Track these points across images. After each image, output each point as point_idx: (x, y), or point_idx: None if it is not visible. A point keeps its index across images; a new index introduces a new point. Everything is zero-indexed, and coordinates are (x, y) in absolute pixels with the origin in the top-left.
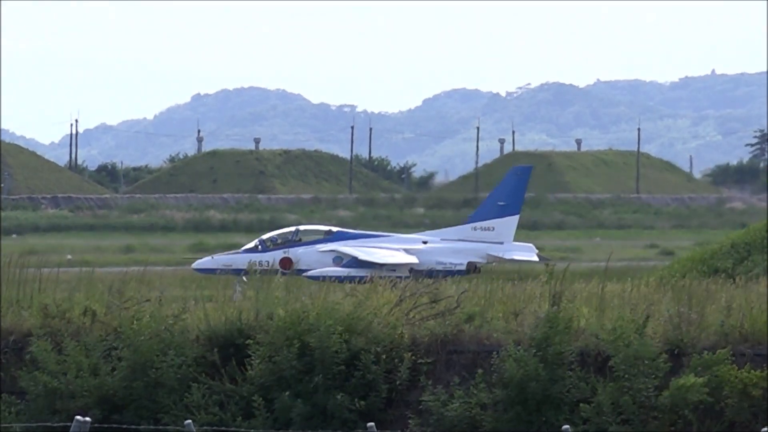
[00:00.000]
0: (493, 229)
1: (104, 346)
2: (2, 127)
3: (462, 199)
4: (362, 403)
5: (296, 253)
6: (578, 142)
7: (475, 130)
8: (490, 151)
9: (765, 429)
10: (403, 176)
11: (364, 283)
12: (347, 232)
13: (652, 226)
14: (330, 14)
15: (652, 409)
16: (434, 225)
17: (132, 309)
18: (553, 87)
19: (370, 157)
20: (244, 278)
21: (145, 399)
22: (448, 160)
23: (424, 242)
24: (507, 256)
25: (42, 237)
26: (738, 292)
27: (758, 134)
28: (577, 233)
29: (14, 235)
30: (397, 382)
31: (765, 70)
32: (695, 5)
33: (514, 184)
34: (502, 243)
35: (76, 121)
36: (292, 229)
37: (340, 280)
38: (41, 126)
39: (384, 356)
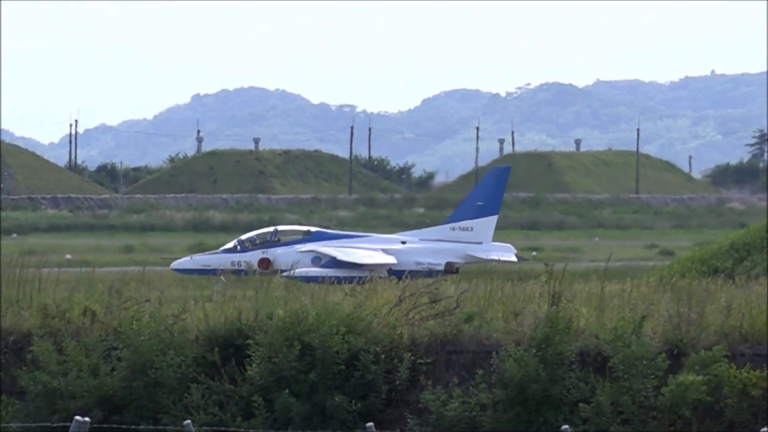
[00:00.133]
0: (472, 229)
1: (104, 347)
2: (2, 127)
3: (462, 199)
4: (361, 404)
5: (275, 253)
6: (578, 142)
7: (475, 130)
8: (490, 151)
9: (765, 429)
10: (402, 176)
11: (343, 284)
12: (326, 233)
13: (652, 226)
14: (330, 14)
15: (652, 409)
16: (434, 225)
17: (132, 309)
18: (552, 87)
19: (369, 157)
20: (222, 278)
21: (145, 399)
22: (447, 160)
23: (403, 242)
24: (486, 256)
25: (42, 237)
26: (738, 292)
27: (758, 134)
28: (577, 233)
29: (14, 235)
30: (397, 383)
31: (765, 70)
32: (695, 5)
33: (493, 185)
34: (480, 243)
35: (76, 121)
36: (271, 229)
37: (318, 280)
38: (41, 126)
39: (383, 356)
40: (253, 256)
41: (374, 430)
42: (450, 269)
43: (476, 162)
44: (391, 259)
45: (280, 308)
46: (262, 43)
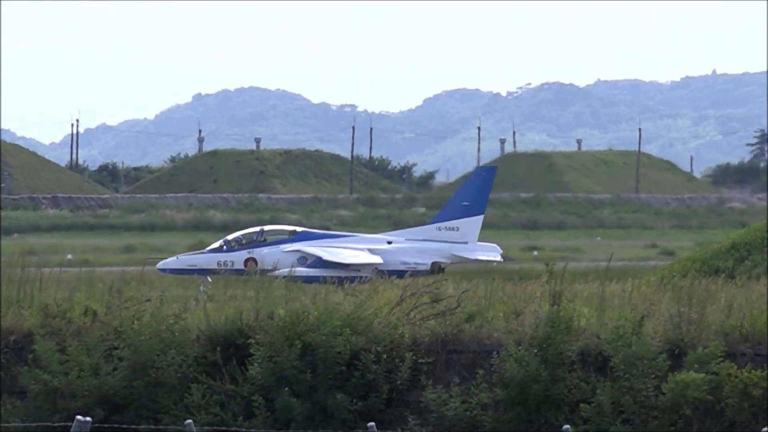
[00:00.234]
0: (458, 229)
1: (105, 346)
2: (2, 127)
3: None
4: (362, 403)
5: (261, 253)
6: (578, 142)
7: (476, 130)
8: (490, 151)
9: (765, 429)
10: (403, 176)
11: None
12: (312, 232)
13: (653, 226)
14: (330, 14)
15: (653, 408)
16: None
17: (132, 309)
18: (553, 87)
19: (370, 157)
20: (209, 278)
21: (146, 399)
22: (448, 160)
23: (389, 242)
24: (471, 256)
25: (42, 237)
26: (738, 292)
27: (758, 134)
28: (578, 233)
29: (15, 235)
30: (398, 382)
31: (765, 69)
32: (695, 5)
33: (478, 185)
34: (466, 243)
35: (77, 121)
36: (257, 229)
37: (304, 280)
38: (42, 126)
39: (384, 356)
40: (239, 256)
41: (375, 429)
42: (436, 269)
43: (477, 162)
44: (377, 259)
45: (280, 308)
46: (262, 43)
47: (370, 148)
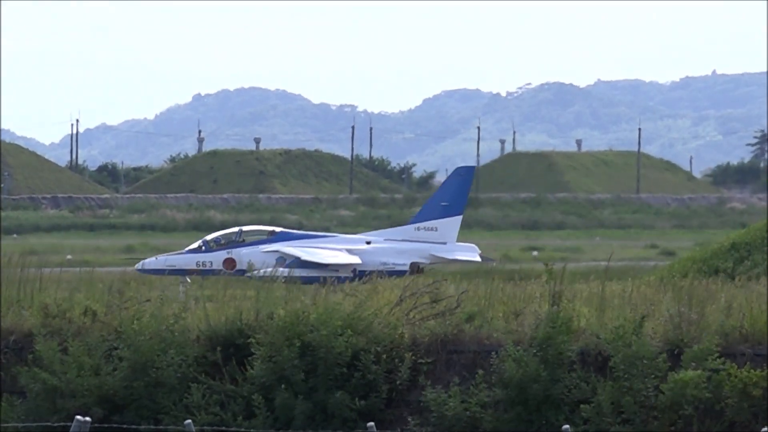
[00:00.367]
0: (437, 229)
1: (105, 346)
2: (2, 127)
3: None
4: (361, 403)
5: (239, 253)
6: (578, 142)
7: (476, 130)
8: (490, 151)
9: (765, 429)
10: (403, 176)
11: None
12: (290, 233)
13: (653, 226)
14: (330, 14)
15: (653, 408)
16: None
17: (132, 309)
18: (553, 87)
19: (370, 157)
20: (188, 279)
21: (146, 399)
22: (448, 160)
23: (368, 242)
24: (450, 257)
25: (42, 237)
26: (738, 292)
27: (758, 134)
28: (578, 233)
29: (15, 235)
30: (398, 382)
31: (765, 69)
32: (695, 5)
33: (457, 185)
34: (445, 243)
35: (77, 121)
36: (236, 229)
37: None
38: (41, 126)
39: (384, 356)
40: (218, 257)
41: (375, 429)
42: (415, 269)
43: (477, 162)
44: (355, 260)
45: (280, 308)
46: (262, 43)
47: (370, 148)
